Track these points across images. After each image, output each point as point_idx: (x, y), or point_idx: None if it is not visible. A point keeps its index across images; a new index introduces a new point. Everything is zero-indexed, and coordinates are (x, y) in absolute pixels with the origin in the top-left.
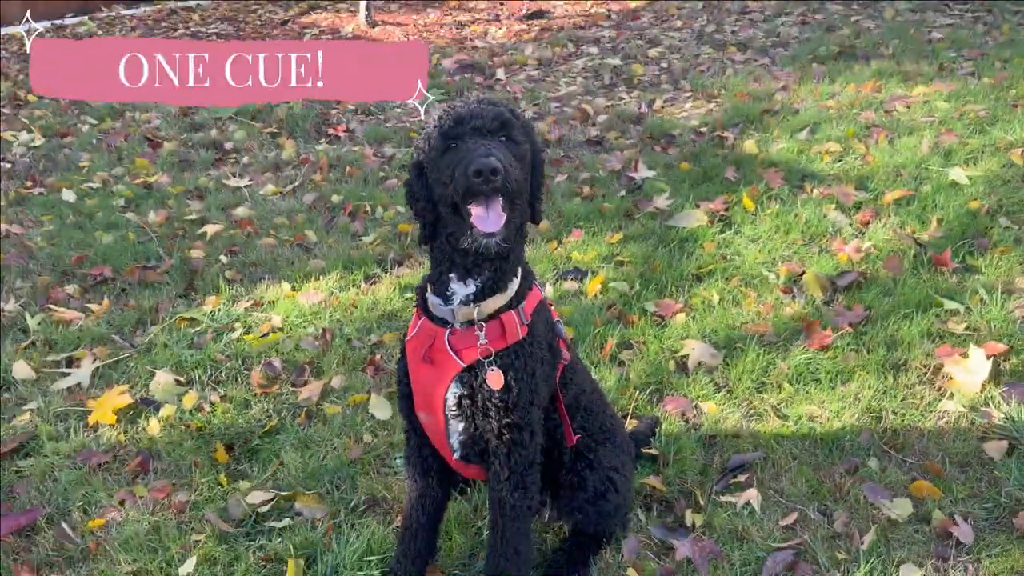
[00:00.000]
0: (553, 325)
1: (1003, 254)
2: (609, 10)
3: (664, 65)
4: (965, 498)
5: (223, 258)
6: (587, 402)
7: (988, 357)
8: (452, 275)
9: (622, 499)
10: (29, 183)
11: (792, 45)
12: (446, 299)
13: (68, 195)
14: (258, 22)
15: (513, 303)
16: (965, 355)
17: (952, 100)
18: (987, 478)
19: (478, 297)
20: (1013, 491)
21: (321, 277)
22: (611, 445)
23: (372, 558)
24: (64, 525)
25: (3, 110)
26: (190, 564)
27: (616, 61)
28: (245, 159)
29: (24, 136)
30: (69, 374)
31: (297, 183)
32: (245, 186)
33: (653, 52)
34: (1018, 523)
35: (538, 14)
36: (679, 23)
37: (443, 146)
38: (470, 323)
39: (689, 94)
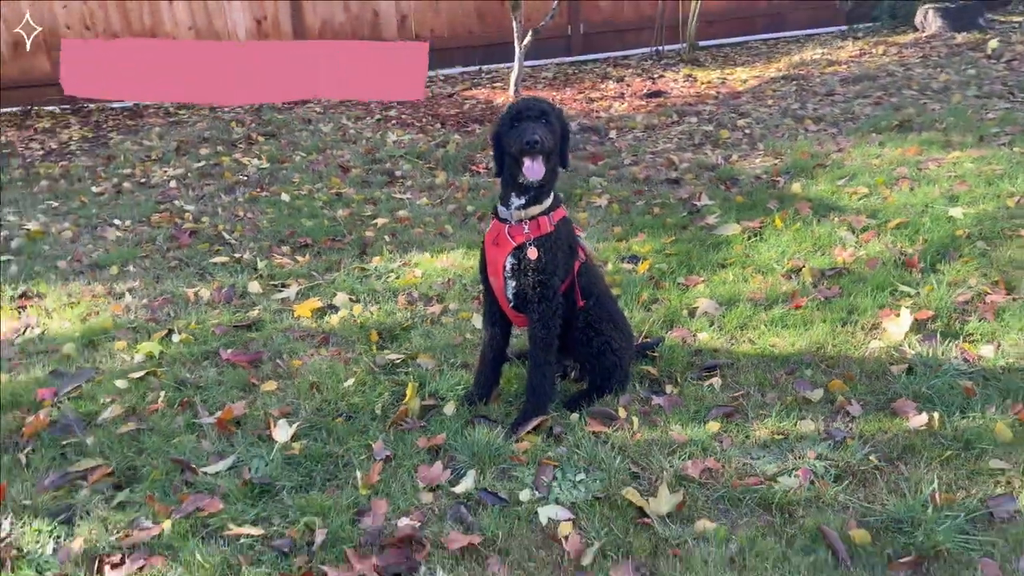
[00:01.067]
0: (573, 232)
1: (965, 263)
2: (717, 92)
3: (747, 131)
4: (864, 393)
5: (386, 238)
6: (599, 293)
7: (915, 319)
8: (512, 194)
9: (618, 360)
10: (258, 189)
11: (860, 119)
12: (507, 207)
13: (284, 197)
14: (430, 94)
15: (546, 212)
16: (898, 315)
17: (977, 162)
18: (885, 385)
19: (525, 207)
20: (899, 390)
21: (451, 252)
22: (613, 326)
23: (459, 387)
24: (278, 360)
25: (240, 144)
26: (350, 381)
27: (709, 128)
28: (408, 183)
29: (255, 162)
30: (282, 292)
31: (444, 198)
32: (407, 199)
33: (741, 122)
34: (895, 406)
35: (656, 94)
36: (771, 102)
37: (510, 125)
38: (520, 221)
39: (761, 152)
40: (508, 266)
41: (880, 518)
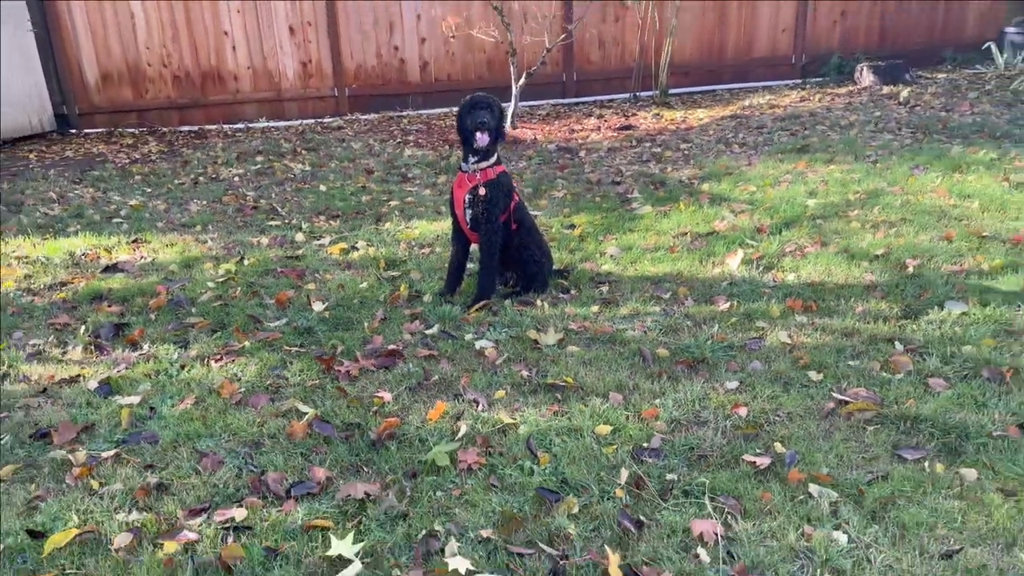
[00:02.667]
0: (510, 182)
1: (800, 230)
2: (676, 126)
3: (685, 152)
4: (698, 294)
5: (396, 213)
6: (528, 225)
7: (748, 258)
8: (469, 155)
9: (539, 269)
10: (302, 183)
11: (774, 145)
12: (466, 163)
13: (322, 188)
14: (443, 125)
15: (491, 166)
16: (736, 255)
17: (844, 172)
18: (713, 291)
19: (477, 163)
20: (720, 292)
21: (442, 221)
22: (537, 247)
23: (435, 288)
24: (316, 275)
25: (287, 155)
26: (363, 284)
27: (657, 150)
28: (417, 181)
29: (300, 166)
30: (319, 240)
31: (443, 191)
32: (414, 191)
33: (683, 146)
34: (714, 300)
35: (626, 127)
36: (712, 132)
37: (468, 111)
38: (474, 171)
39: (690, 166)
40: (466, 199)
41: (678, 346)
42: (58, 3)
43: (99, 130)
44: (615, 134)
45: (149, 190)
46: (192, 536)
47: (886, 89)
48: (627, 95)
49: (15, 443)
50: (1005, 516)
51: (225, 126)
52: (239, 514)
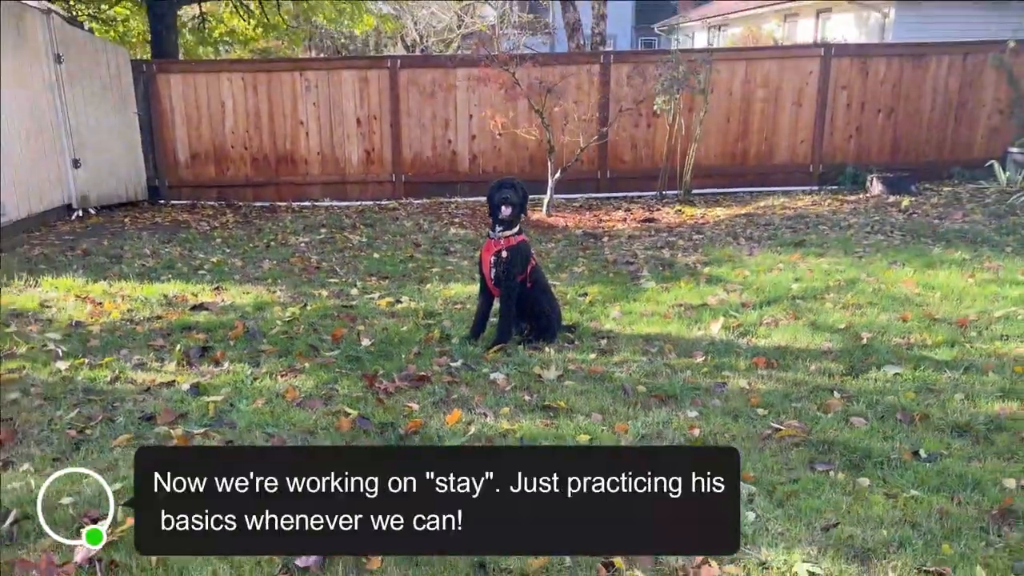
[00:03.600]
0: (528, 249)
1: (780, 307)
2: (695, 221)
3: (696, 242)
4: (681, 350)
5: (436, 277)
6: (542, 285)
7: (728, 324)
8: (496, 224)
9: (548, 322)
10: (359, 251)
11: (776, 239)
12: (493, 231)
13: (375, 255)
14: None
15: (513, 235)
16: (718, 321)
17: (831, 264)
18: (695, 348)
19: (502, 231)
20: (701, 350)
21: (475, 285)
22: (548, 303)
23: (463, 332)
24: (365, 320)
25: (347, 228)
26: (405, 328)
27: (672, 239)
28: (458, 255)
29: (358, 238)
30: (371, 295)
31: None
32: (454, 261)
33: (696, 237)
34: (692, 354)
35: (649, 220)
36: (724, 227)
37: (497, 189)
38: (499, 238)
39: (698, 253)
40: (492, 260)
41: (654, 385)
42: (161, 91)
43: (184, 201)
44: (638, 225)
45: (228, 250)
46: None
47: (892, 198)
48: (654, 193)
49: (127, 423)
50: (882, 508)
51: (294, 203)
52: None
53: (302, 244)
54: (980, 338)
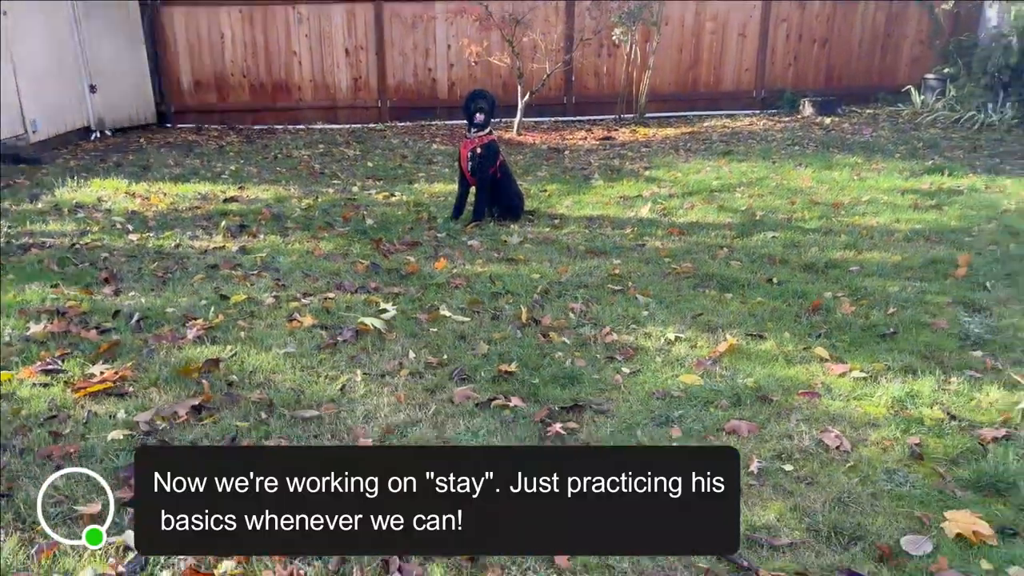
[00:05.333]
0: (497, 147)
1: (701, 198)
2: (647, 139)
3: (643, 154)
4: (616, 225)
5: (422, 179)
6: (510, 177)
7: (654, 209)
8: (470, 127)
9: (513, 206)
10: (354, 161)
11: (710, 150)
12: (469, 132)
13: (369, 164)
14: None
15: (485, 135)
16: (647, 208)
17: (747, 166)
18: (628, 223)
19: (476, 132)
20: (632, 225)
21: (454, 184)
22: (515, 191)
23: (445, 213)
24: (365, 208)
25: (341, 145)
26: (400, 211)
27: (624, 152)
28: (440, 164)
29: (351, 151)
30: (369, 192)
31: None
32: (437, 169)
33: (644, 150)
34: (625, 229)
35: (607, 138)
36: (669, 143)
37: (471, 98)
38: (473, 138)
39: (643, 162)
40: (468, 155)
41: (590, 246)
42: (165, 25)
43: (189, 125)
44: (596, 142)
45: (241, 161)
46: (305, 302)
47: (819, 119)
48: (615, 116)
49: (198, 269)
50: (734, 308)
51: (289, 126)
52: (331, 296)
53: (305, 156)
54: (845, 214)
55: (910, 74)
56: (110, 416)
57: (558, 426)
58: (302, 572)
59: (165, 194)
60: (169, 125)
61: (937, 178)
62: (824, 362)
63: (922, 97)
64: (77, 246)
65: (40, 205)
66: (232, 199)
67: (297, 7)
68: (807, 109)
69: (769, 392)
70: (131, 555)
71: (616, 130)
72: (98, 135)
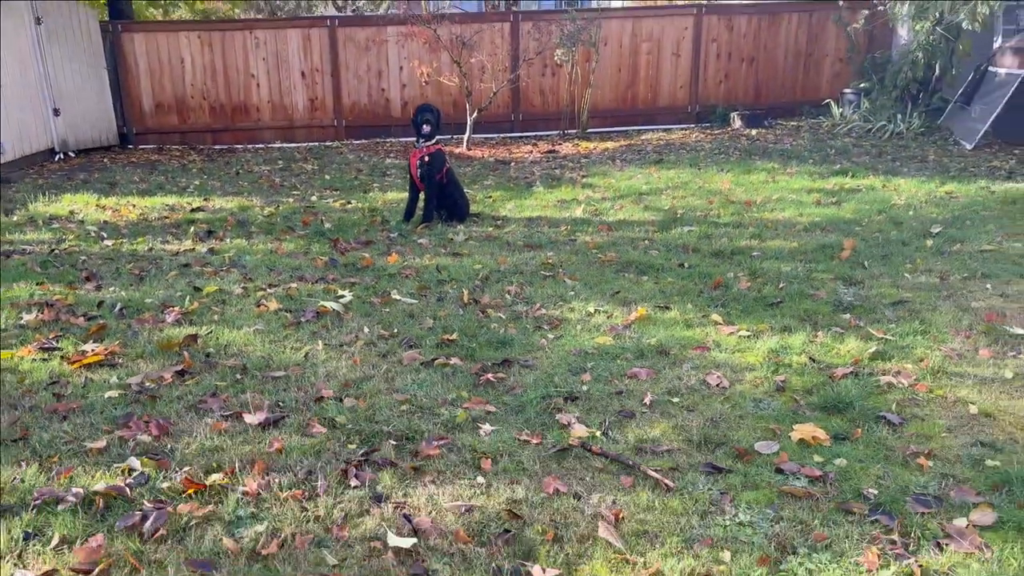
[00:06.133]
0: (444, 156)
1: (629, 200)
2: (588, 152)
3: (582, 164)
4: (555, 223)
5: (376, 189)
6: (456, 184)
7: (586, 209)
8: (419, 137)
9: (458, 209)
10: (312, 175)
11: (642, 160)
12: (418, 142)
13: (326, 176)
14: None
15: (432, 144)
16: (580, 207)
17: (674, 173)
18: (565, 222)
19: (424, 142)
20: (568, 224)
21: (405, 193)
22: (460, 195)
23: (398, 217)
24: (323, 216)
25: (300, 161)
26: (355, 216)
27: (565, 163)
28: (393, 176)
29: (309, 166)
30: (327, 200)
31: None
32: (391, 180)
33: (584, 161)
34: (561, 227)
35: (551, 152)
36: (607, 155)
37: (419, 112)
38: (421, 147)
39: (582, 172)
40: (417, 163)
41: (528, 241)
42: (126, 50)
43: (151, 146)
44: (540, 155)
45: (204, 176)
46: (270, 292)
47: (747, 131)
48: (558, 132)
49: (171, 267)
50: (648, 287)
51: (249, 145)
52: (294, 286)
53: (265, 171)
54: (756, 211)
55: (831, 89)
56: (104, 381)
57: (490, 375)
58: (277, 480)
59: (134, 206)
60: (131, 146)
61: (841, 179)
62: (717, 325)
63: (840, 110)
64: (56, 252)
65: (15, 218)
66: (198, 209)
67: (255, 32)
68: (736, 122)
69: (668, 348)
70: (136, 472)
71: (560, 144)
72: (62, 156)
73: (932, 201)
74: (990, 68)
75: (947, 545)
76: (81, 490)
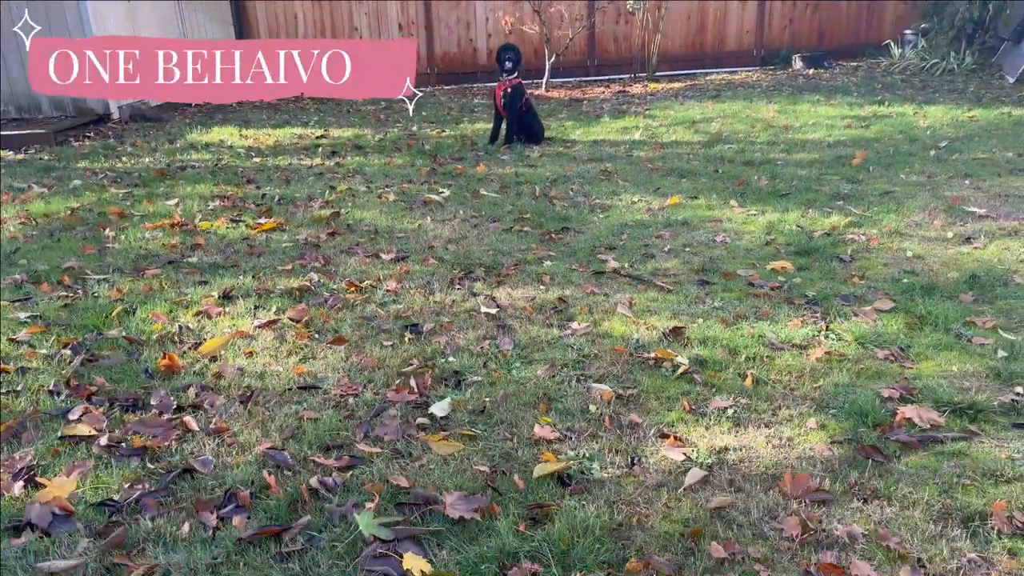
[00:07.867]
0: (524, 88)
1: (687, 129)
2: (655, 92)
3: (648, 101)
4: (612, 146)
5: (467, 121)
6: (534, 112)
7: (640, 133)
8: (502, 72)
9: (535, 133)
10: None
11: (703, 96)
12: (501, 76)
13: (423, 113)
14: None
15: (515, 78)
16: (638, 132)
17: (732, 105)
18: (623, 143)
19: (507, 76)
20: (623, 144)
21: (490, 124)
22: (537, 122)
23: (484, 140)
24: (426, 141)
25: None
26: (451, 141)
27: (632, 100)
28: (480, 112)
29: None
30: (427, 132)
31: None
32: (479, 115)
33: (649, 98)
34: (619, 146)
35: (622, 91)
36: (671, 93)
37: (502, 50)
38: (505, 80)
39: (645, 105)
40: (501, 93)
41: (592, 156)
42: (249, 13)
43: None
44: (611, 95)
45: (321, 114)
46: (387, 189)
47: (805, 71)
48: (630, 75)
49: (309, 175)
50: (686, 185)
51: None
52: (405, 186)
53: (371, 109)
54: (791, 133)
55: (893, 32)
56: (279, 239)
57: (552, 235)
58: (407, 285)
59: (269, 135)
60: None
61: (876, 108)
62: (733, 208)
63: (900, 50)
64: (219, 166)
65: (179, 144)
66: (321, 137)
67: None
68: (797, 63)
69: (690, 221)
70: (314, 280)
71: (630, 85)
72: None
73: (952, 124)
74: None
75: (852, 318)
76: (282, 287)
